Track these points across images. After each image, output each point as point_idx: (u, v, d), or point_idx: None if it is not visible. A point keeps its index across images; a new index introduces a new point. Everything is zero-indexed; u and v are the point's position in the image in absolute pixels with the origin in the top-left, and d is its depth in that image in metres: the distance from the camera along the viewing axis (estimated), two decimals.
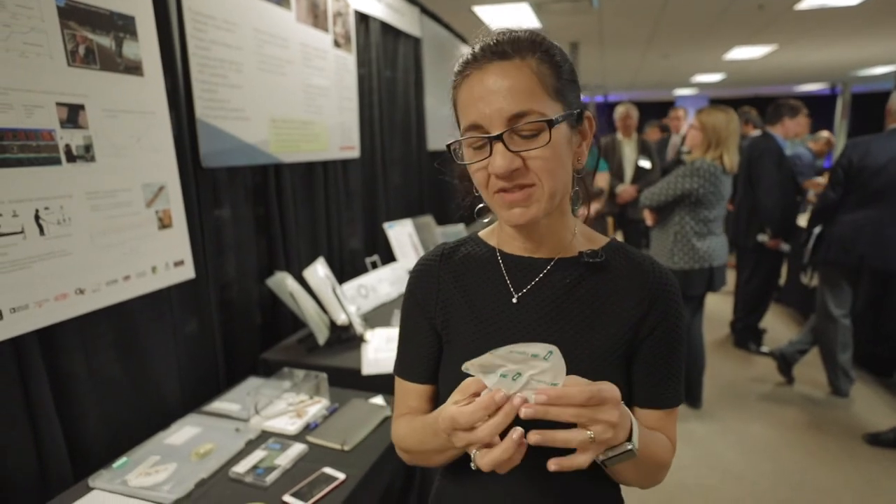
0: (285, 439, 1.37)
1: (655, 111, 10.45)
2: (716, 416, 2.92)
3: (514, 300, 0.71)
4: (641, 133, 4.96)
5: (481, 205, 0.74)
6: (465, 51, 0.70)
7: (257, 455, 1.30)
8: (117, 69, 1.36)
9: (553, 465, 0.53)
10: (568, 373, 0.55)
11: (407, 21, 3.32)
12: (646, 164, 4.46)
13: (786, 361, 3.26)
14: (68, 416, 1.28)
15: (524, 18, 5.58)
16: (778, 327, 4.25)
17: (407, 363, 0.80)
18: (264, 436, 1.40)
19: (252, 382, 1.73)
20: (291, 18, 2.09)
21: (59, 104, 1.21)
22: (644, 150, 4.57)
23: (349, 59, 2.53)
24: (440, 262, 0.78)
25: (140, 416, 1.48)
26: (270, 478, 1.21)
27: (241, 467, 1.25)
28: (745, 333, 3.88)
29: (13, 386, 1.16)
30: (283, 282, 1.85)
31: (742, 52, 8.05)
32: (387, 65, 3.09)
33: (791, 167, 3.46)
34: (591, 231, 0.76)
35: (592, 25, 6.10)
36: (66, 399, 1.28)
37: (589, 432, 0.51)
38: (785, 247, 3.52)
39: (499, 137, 0.61)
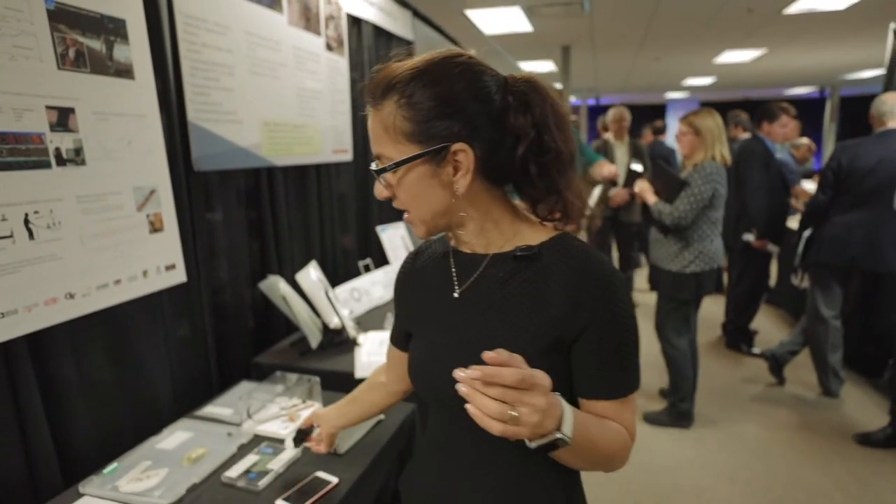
0: (278, 444, 1.37)
1: (647, 114, 10.51)
2: (708, 417, 2.93)
3: (456, 294, 0.79)
4: (636, 136, 4.98)
5: None
6: None
7: (250, 459, 1.30)
8: (108, 72, 1.35)
9: (463, 388, 0.55)
10: None
11: (399, 24, 3.32)
12: (638, 167, 4.48)
13: (777, 362, 3.29)
14: (58, 422, 1.27)
15: (516, 22, 5.60)
16: (769, 328, 4.28)
17: (394, 329, 0.98)
18: (257, 440, 1.40)
19: (244, 386, 1.72)
20: (283, 21, 2.09)
21: (48, 107, 1.20)
22: (636, 153, 4.60)
23: (342, 63, 2.53)
24: (412, 259, 0.92)
25: (131, 421, 1.47)
26: (263, 482, 1.20)
27: (234, 472, 1.24)
28: (737, 334, 3.90)
29: (2, 392, 1.14)
30: (275, 285, 1.85)
31: (732, 56, 8.13)
32: None
33: (780, 169, 3.49)
34: (540, 227, 0.79)
35: (584, 29, 6.14)
36: (56, 404, 1.27)
37: (513, 411, 0.54)
38: (772, 248, 3.55)
39: (372, 172, 0.74)
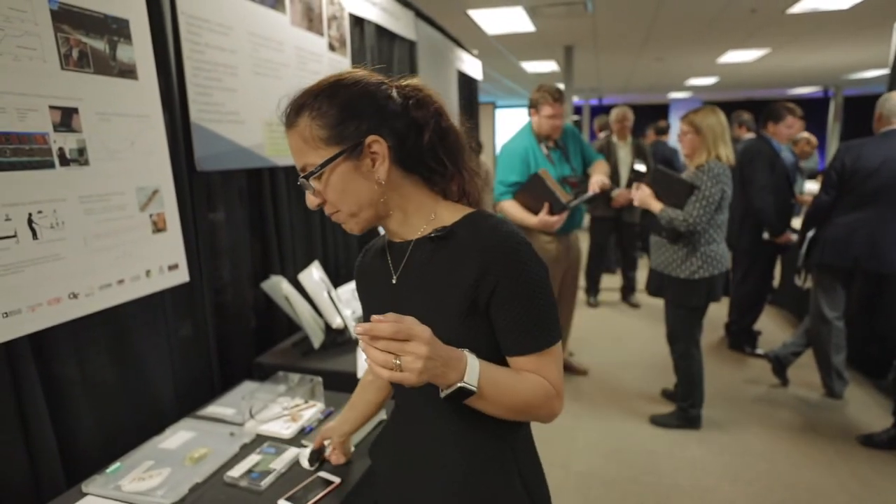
0: (280, 443, 1.37)
1: (650, 114, 10.49)
2: (711, 419, 2.93)
3: (394, 280, 0.89)
4: (638, 137, 4.97)
5: None
6: None
7: (252, 459, 1.30)
8: (111, 72, 1.36)
9: (361, 344, 0.67)
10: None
11: (402, 24, 3.32)
12: (641, 167, 4.47)
13: (780, 363, 3.28)
14: (61, 421, 1.27)
15: (519, 22, 5.60)
16: (772, 329, 4.27)
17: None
18: (259, 440, 1.40)
19: (247, 386, 1.73)
20: (286, 22, 2.09)
21: (52, 107, 1.21)
22: (639, 153, 4.59)
23: (344, 63, 2.53)
24: (362, 257, 1.02)
25: (134, 420, 1.47)
26: (265, 482, 1.20)
27: (236, 471, 1.24)
28: (740, 335, 3.89)
29: (5, 391, 1.15)
30: (277, 285, 1.85)
31: (735, 56, 8.11)
32: (382, 69, 3.09)
33: (786, 169, 3.47)
34: (457, 208, 0.87)
35: (587, 29, 6.13)
36: (59, 404, 1.27)
37: (397, 360, 0.64)
38: (794, 237, 3.48)
39: (300, 185, 0.83)
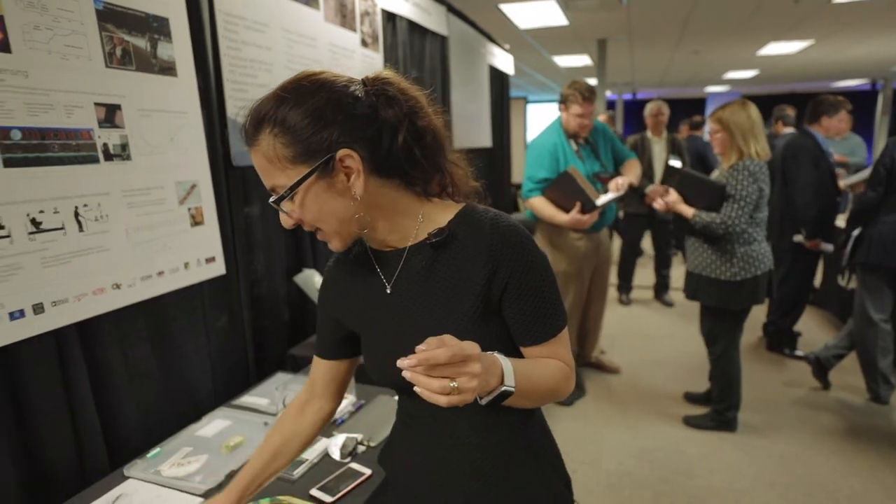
0: None
1: (686, 109, 10.24)
2: (746, 421, 2.85)
3: (389, 290, 0.84)
4: (674, 131, 4.86)
5: None
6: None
7: None
8: (152, 70, 1.40)
9: (407, 374, 0.60)
10: None
11: (434, 20, 3.32)
12: (676, 163, 4.37)
13: (821, 366, 3.16)
14: (105, 407, 1.32)
15: (551, 15, 5.54)
16: (813, 330, 4.13)
17: (318, 342, 0.97)
18: None
19: (280, 377, 1.76)
20: (320, 18, 2.11)
21: (97, 104, 1.25)
22: (675, 148, 4.49)
23: (376, 59, 2.54)
24: (335, 267, 0.93)
25: (173, 408, 1.51)
26: (298, 471, 1.23)
27: None
28: (779, 337, 3.78)
29: (54, 377, 1.20)
30: (310, 279, 1.88)
31: (777, 48, 7.85)
32: (414, 63, 3.10)
33: (831, 167, 3.34)
34: (445, 205, 0.83)
35: (621, 22, 6.02)
36: (103, 390, 1.32)
37: (453, 383, 0.60)
38: (826, 247, 3.38)
39: (272, 204, 0.76)
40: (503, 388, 0.68)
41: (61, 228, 1.18)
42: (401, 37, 2.86)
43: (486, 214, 0.81)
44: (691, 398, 3.11)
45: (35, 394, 1.16)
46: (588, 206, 2.73)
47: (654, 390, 3.28)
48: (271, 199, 0.75)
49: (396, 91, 0.76)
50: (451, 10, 3.69)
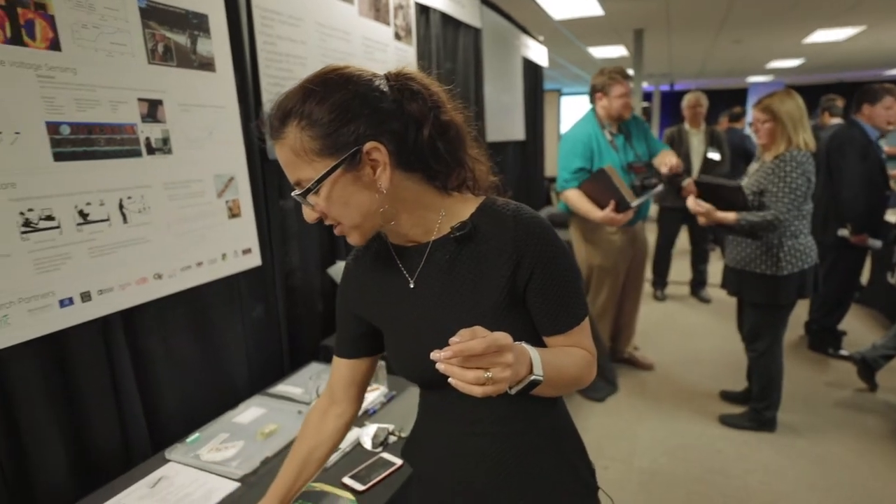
0: None
1: (726, 100, 9.94)
2: (786, 422, 2.77)
3: (412, 285, 0.84)
4: (713, 123, 4.72)
5: None
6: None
7: None
8: (192, 66, 1.43)
9: (442, 366, 0.61)
10: None
11: (467, 12, 3.31)
12: (715, 155, 4.25)
13: (868, 366, 3.04)
14: (147, 393, 1.37)
15: (586, 5, 5.44)
16: (859, 330, 3.97)
17: (338, 341, 0.97)
18: None
19: (314, 367, 1.79)
20: (354, 12, 2.13)
21: (140, 99, 1.29)
22: (713, 140, 4.36)
23: (409, 52, 2.55)
24: (354, 264, 0.93)
25: (211, 395, 1.56)
26: (331, 459, 1.25)
27: None
28: (822, 335, 3.64)
29: (100, 363, 1.25)
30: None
31: (825, 35, 7.53)
32: (447, 56, 3.09)
33: (880, 159, 3.19)
34: (464, 198, 0.84)
35: (659, 10, 5.87)
36: (145, 377, 1.37)
37: (488, 373, 0.60)
38: (874, 243, 3.24)
39: (297, 199, 0.76)
40: (532, 378, 0.69)
41: (107, 220, 1.23)
42: (434, 30, 2.85)
43: (507, 207, 0.81)
44: (728, 396, 3.03)
45: (83, 379, 1.22)
46: (622, 206, 2.69)
47: (689, 388, 3.22)
48: (296, 193, 0.75)
49: (420, 86, 0.77)
50: (485, 1, 3.66)
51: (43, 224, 1.10)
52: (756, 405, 2.72)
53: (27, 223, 1.07)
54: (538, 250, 0.78)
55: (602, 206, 2.73)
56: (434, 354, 0.60)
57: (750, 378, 2.83)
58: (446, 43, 3.08)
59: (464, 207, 0.82)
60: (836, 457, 2.50)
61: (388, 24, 2.36)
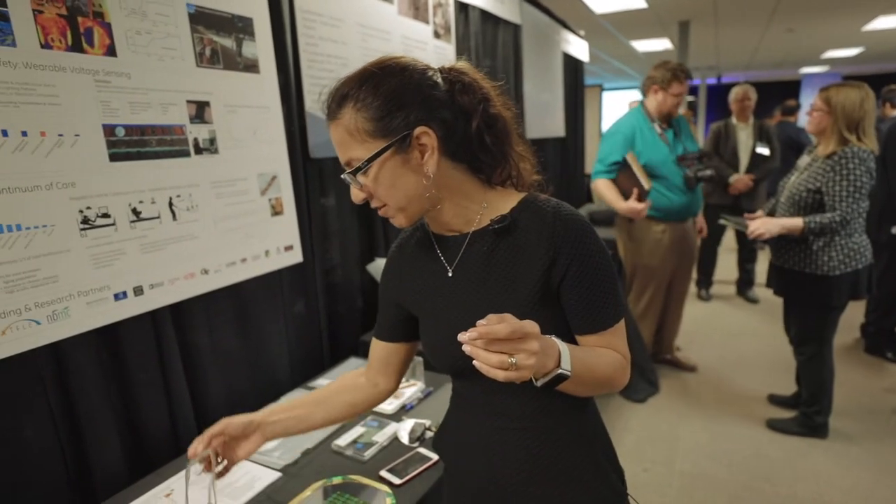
0: (383, 418, 1.44)
1: (777, 93, 9.55)
2: (839, 429, 2.65)
3: (450, 274, 0.86)
4: (763, 118, 4.53)
5: None
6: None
7: (357, 431, 1.38)
8: (237, 68, 1.48)
9: (467, 348, 0.62)
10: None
11: (506, 8, 3.29)
12: (764, 150, 4.09)
13: None
14: (194, 383, 1.43)
15: None
16: None
17: (378, 325, 1.00)
18: (363, 413, 1.48)
19: (353, 363, 1.82)
20: (393, 12, 2.15)
21: (188, 101, 1.34)
22: (762, 135, 4.20)
23: (449, 50, 2.55)
24: (397, 251, 0.97)
25: (254, 386, 1.61)
26: (369, 453, 1.27)
27: (343, 441, 1.33)
28: (879, 338, 3.47)
29: (151, 355, 1.31)
30: (382, 267, 1.93)
31: (887, 22, 7.13)
32: (486, 53, 3.09)
33: None
34: (508, 193, 0.86)
35: (706, 1, 5.68)
36: (192, 368, 1.43)
37: (512, 359, 0.61)
38: None
39: (344, 178, 0.80)
40: (559, 371, 0.69)
41: (157, 217, 1.28)
42: (473, 27, 2.85)
43: (548, 203, 0.82)
44: (776, 401, 2.92)
45: (135, 370, 1.28)
46: (643, 194, 2.67)
47: (734, 390, 3.12)
48: (345, 173, 0.78)
49: (471, 80, 0.80)
50: None
51: (100, 221, 1.16)
52: (806, 410, 2.62)
53: (85, 220, 1.13)
54: (575, 247, 0.78)
55: (628, 198, 2.70)
56: (461, 336, 0.62)
57: (799, 382, 2.72)
58: (485, 40, 3.07)
59: (505, 201, 0.84)
60: (894, 466, 2.38)
61: (427, 22, 2.38)
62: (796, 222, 2.28)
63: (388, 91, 0.75)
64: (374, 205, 0.81)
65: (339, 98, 0.77)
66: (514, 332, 0.61)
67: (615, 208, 2.78)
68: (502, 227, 0.81)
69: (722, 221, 2.90)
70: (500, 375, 0.61)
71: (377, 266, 1.96)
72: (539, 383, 0.70)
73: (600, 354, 0.81)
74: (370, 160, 0.75)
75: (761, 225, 2.36)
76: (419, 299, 0.91)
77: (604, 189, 2.83)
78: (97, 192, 1.15)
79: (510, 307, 0.78)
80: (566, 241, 0.78)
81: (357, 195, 0.81)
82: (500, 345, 0.61)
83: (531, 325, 0.64)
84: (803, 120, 5.74)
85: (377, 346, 1.00)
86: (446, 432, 0.98)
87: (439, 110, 0.77)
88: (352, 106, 0.75)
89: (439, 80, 0.79)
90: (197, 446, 0.89)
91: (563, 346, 0.71)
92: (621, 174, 2.78)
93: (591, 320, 0.81)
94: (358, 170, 0.76)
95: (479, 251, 0.84)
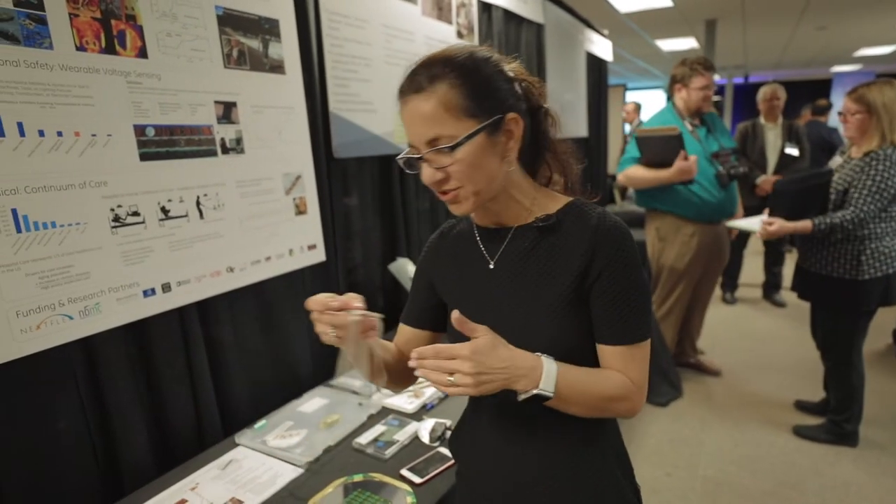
0: (403, 417, 1.44)
1: (806, 93, 9.33)
2: (870, 437, 2.58)
3: (491, 266, 0.87)
4: (793, 117, 4.43)
5: None
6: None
7: (378, 429, 1.38)
8: (263, 69, 1.50)
9: (413, 363, 0.70)
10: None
11: (529, 8, 3.27)
12: (793, 151, 4.00)
13: None
14: (219, 379, 1.45)
15: None
16: None
17: (407, 309, 1.02)
18: (384, 412, 1.49)
19: None
20: (417, 12, 2.16)
21: (216, 102, 1.36)
22: (791, 135, 4.11)
23: None
24: (439, 239, 0.98)
25: (277, 384, 1.63)
26: (389, 451, 1.28)
27: (364, 439, 1.34)
28: None
29: (178, 351, 1.34)
30: (404, 267, 1.94)
31: None
32: (509, 53, 3.03)
33: None
34: (555, 196, 0.87)
35: None
36: (217, 364, 1.45)
37: (450, 377, 0.68)
38: None
39: (422, 158, 0.78)
40: (535, 392, 0.72)
41: (185, 216, 1.30)
42: (496, 26, 2.84)
43: (594, 209, 0.83)
44: (803, 407, 2.86)
45: (163, 366, 1.30)
46: (676, 144, 2.62)
47: (759, 396, 3.06)
48: (429, 150, 0.76)
49: (533, 80, 0.85)
50: None
51: (130, 219, 1.19)
52: (835, 417, 2.55)
53: (116, 218, 1.16)
54: (612, 254, 0.78)
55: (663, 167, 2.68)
56: (411, 362, 0.70)
57: (827, 388, 2.66)
58: (508, 40, 3.06)
59: (552, 202, 0.86)
60: None
61: (450, 22, 2.38)
62: (805, 223, 2.25)
63: (486, 74, 0.77)
64: (444, 187, 0.78)
65: (433, 74, 0.75)
66: (439, 353, 0.69)
67: (662, 181, 2.72)
68: (547, 225, 0.82)
69: (729, 224, 2.87)
70: (442, 390, 0.70)
71: (399, 265, 1.97)
72: (519, 398, 0.73)
73: (602, 377, 0.79)
74: (469, 136, 0.74)
75: (770, 228, 2.35)
76: (455, 288, 0.92)
77: (635, 173, 2.80)
78: (128, 190, 1.18)
79: (540, 305, 0.80)
80: (604, 246, 0.78)
81: (433, 175, 0.77)
82: (432, 363, 0.69)
83: (460, 348, 0.69)
84: (834, 120, 5.61)
85: (403, 332, 1.01)
86: (460, 433, 0.99)
87: (521, 102, 0.81)
88: (449, 81, 0.74)
89: (513, 75, 0.81)
90: (349, 301, 0.88)
91: (550, 366, 0.73)
92: (645, 150, 2.75)
93: (612, 331, 0.80)
94: (456, 146, 0.74)
95: (521, 247, 0.85)
